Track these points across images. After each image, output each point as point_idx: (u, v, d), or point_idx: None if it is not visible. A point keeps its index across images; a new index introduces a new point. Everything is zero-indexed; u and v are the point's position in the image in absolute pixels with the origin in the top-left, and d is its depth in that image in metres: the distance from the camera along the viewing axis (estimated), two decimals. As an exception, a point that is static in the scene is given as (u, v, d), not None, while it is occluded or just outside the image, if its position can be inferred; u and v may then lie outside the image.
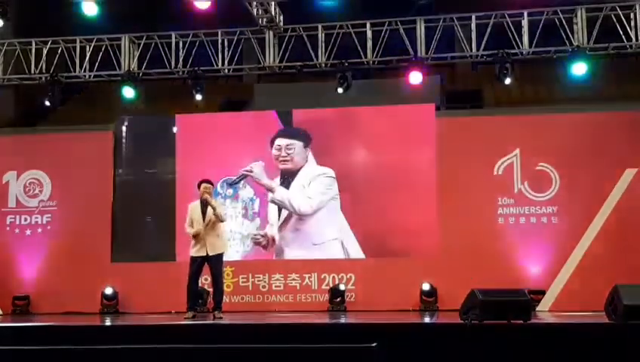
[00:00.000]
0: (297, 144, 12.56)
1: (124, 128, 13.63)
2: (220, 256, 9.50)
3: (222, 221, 9.50)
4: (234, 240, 12.75)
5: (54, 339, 7.65)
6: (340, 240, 12.36)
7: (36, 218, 13.33)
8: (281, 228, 12.58)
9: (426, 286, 12.19)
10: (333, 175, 12.41)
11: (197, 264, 9.44)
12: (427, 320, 9.95)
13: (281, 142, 12.68)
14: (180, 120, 13.53)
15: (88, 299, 12.59)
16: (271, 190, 12.21)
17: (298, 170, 12.53)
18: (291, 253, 12.56)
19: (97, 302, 12.66)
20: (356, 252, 12.60)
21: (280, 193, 12.19)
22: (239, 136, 13.08)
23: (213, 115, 14.34)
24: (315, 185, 12.20)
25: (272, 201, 12.23)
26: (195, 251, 9.45)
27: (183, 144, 13.24)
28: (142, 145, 13.53)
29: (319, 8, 12.49)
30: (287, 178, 12.51)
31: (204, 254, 9.36)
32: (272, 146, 12.69)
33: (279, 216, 12.51)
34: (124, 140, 13.52)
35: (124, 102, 13.75)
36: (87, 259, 12.91)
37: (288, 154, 12.48)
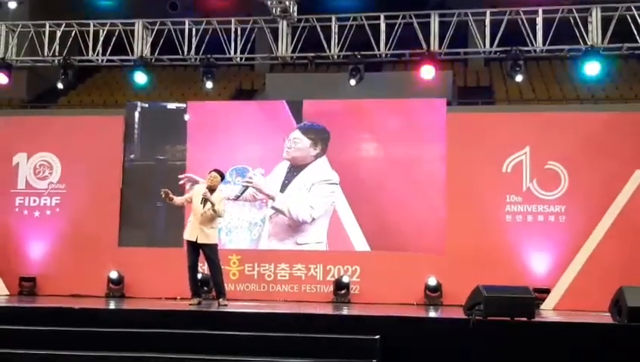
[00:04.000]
0: (304, 141, 12.59)
1: (135, 114, 13.64)
2: (213, 246, 9.57)
3: (219, 216, 9.57)
4: (241, 228, 12.79)
5: (58, 321, 7.70)
6: (325, 243, 12.36)
7: (45, 200, 13.38)
8: (272, 217, 12.62)
9: (432, 281, 12.18)
10: (337, 181, 12.39)
11: (190, 249, 9.54)
12: (431, 314, 9.96)
13: (292, 134, 12.75)
14: (191, 107, 13.54)
15: (95, 283, 12.64)
16: (272, 198, 12.28)
17: (301, 166, 12.55)
18: (269, 245, 12.58)
19: (104, 286, 12.72)
20: (362, 245, 12.60)
21: (280, 201, 12.24)
22: (250, 125, 13.10)
23: (225, 103, 14.33)
24: (316, 191, 12.21)
25: (273, 208, 12.28)
26: (187, 234, 9.62)
27: (193, 131, 13.26)
28: (152, 131, 13.52)
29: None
30: (293, 170, 12.55)
31: (194, 240, 9.46)
32: (291, 135, 12.85)
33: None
34: (135, 126, 13.53)
35: (135, 87, 13.78)
36: (95, 242, 12.95)
37: (290, 147, 12.52)
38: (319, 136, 12.72)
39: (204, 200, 9.40)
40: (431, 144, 12.71)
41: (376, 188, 12.70)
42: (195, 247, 9.53)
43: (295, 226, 12.45)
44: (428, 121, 12.85)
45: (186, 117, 13.35)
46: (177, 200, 9.80)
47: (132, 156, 13.41)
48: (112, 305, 10.49)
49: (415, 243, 12.51)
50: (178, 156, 13.30)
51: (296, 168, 12.63)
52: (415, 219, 12.55)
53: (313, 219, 12.35)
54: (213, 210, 9.37)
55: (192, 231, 9.53)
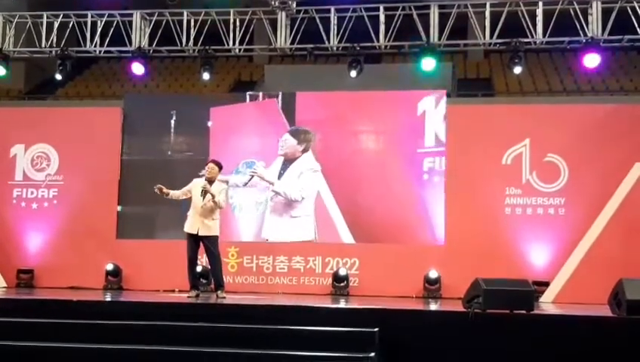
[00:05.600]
0: (290, 140, 13.25)
1: (132, 105, 13.62)
2: (213, 238, 9.53)
3: (220, 208, 9.52)
4: (250, 206, 13.13)
5: (56, 313, 7.67)
6: (313, 217, 13.07)
7: (43, 192, 13.34)
8: (272, 197, 13.18)
9: (433, 274, 12.15)
10: (319, 169, 13.11)
11: (191, 241, 9.49)
12: (430, 307, 9.95)
13: (284, 135, 13.26)
14: (213, 112, 13.42)
15: (93, 275, 12.61)
16: (272, 184, 13.20)
17: (291, 160, 13.19)
18: (271, 218, 13.13)
19: (102, 278, 12.69)
20: (345, 231, 12.80)
21: (277, 186, 13.19)
22: (256, 124, 13.30)
23: (239, 106, 14.16)
24: (304, 178, 13.18)
25: (273, 191, 13.18)
26: (187, 226, 9.54)
27: (215, 133, 13.30)
28: (151, 123, 13.48)
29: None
30: (286, 163, 13.20)
31: (195, 232, 9.42)
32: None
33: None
34: (133, 117, 13.48)
35: (133, 78, 13.72)
36: (93, 234, 12.92)
37: (282, 145, 13.33)
38: (304, 136, 13.22)
39: (204, 192, 9.35)
40: (430, 136, 12.67)
41: (374, 180, 12.71)
42: (195, 240, 9.48)
43: (289, 204, 13.10)
44: (427, 112, 12.80)
45: (209, 123, 13.38)
46: (174, 193, 9.71)
47: (130, 148, 13.37)
48: (109, 298, 10.46)
49: (414, 235, 12.52)
50: (180, 148, 13.32)
51: (288, 161, 13.18)
52: (414, 212, 12.53)
53: (303, 198, 13.10)
54: (214, 202, 9.32)
55: (192, 224, 9.46)
